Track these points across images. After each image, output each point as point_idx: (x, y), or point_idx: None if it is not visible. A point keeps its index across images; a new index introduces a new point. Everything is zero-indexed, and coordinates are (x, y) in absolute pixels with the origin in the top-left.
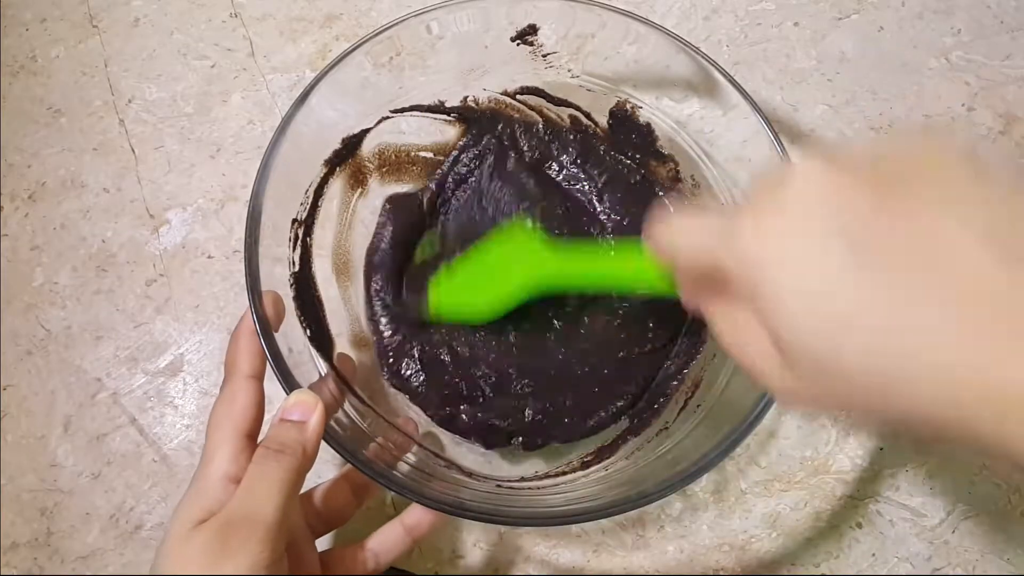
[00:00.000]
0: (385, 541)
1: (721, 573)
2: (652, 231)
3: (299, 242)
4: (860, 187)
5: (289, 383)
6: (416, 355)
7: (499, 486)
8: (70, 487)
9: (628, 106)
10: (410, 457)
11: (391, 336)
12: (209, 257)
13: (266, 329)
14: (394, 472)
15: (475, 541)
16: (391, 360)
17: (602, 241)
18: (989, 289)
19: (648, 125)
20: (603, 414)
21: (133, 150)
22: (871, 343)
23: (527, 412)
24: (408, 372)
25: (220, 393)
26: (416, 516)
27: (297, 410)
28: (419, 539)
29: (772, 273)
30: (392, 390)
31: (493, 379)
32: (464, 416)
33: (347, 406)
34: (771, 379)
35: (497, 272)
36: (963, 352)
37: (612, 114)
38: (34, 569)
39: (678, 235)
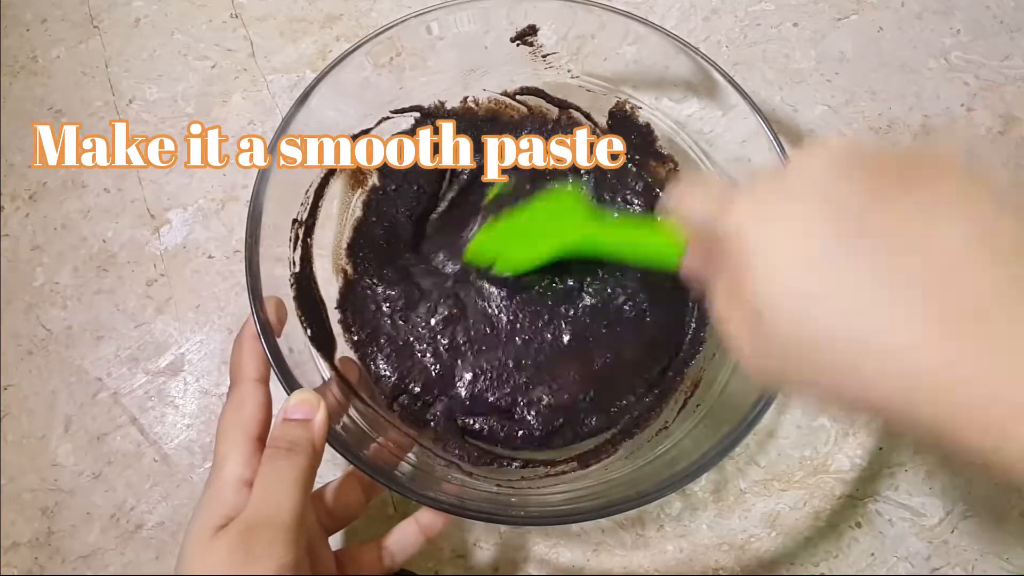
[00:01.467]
0: (400, 540)
1: (720, 572)
2: (669, 194)
3: (300, 242)
4: (856, 179)
5: (290, 383)
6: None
7: (499, 486)
8: (71, 487)
9: (627, 106)
10: (411, 457)
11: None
12: (210, 257)
13: (267, 332)
14: (395, 472)
15: (475, 540)
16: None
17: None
18: (964, 289)
19: (647, 125)
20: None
21: None
22: (836, 323)
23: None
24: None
25: (228, 398)
26: (430, 515)
27: (300, 409)
28: (433, 538)
29: (759, 245)
30: None
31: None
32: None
33: (357, 418)
34: (744, 347)
35: (537, 228)
36: (922, 350)
37: (612, 114)
38: (35, 568)
39: (688, 199)
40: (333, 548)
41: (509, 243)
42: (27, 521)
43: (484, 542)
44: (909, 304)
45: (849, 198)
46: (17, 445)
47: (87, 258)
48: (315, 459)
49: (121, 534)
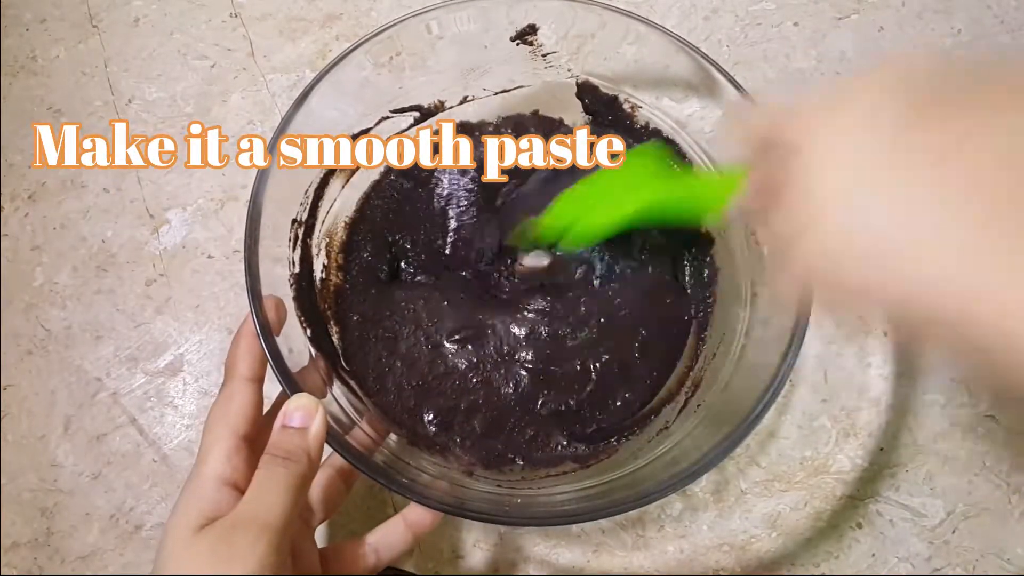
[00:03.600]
0: (386, 537)
1: (721, 573)
2: (740, 110)
3: (299, 242)
4: (911, 94)
5: (289, 383)
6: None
7: (499, 486)
8: (70, 487)
9: (628, 106)
10: (412, 458)
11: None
12: (209, 257)
13: (267, 332)
14: (396, 473)
15: (475, 541)
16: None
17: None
18: (1003, 205)
19: (648, 125)
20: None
21: None
22: (880, 230)
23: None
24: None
25: (219, 394)
26: (418, 512)
27: (298, 415)
28: (420, 536)
29: (811, 157)
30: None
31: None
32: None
33: (347, 406)
34: (793, 260)
35: (617, 190)
36: (963, 263)
37: (579, 87)
38: (34, 569)
39: (747, 120)
40: (320, 544)
41: (588, 208)
42: (26, 521)
43: (484, 542)
44: (950, 209)
45: (900, 111)
46: (17, 445)
47: (86, 258)
48: (311, 468)
49: (120, 535)
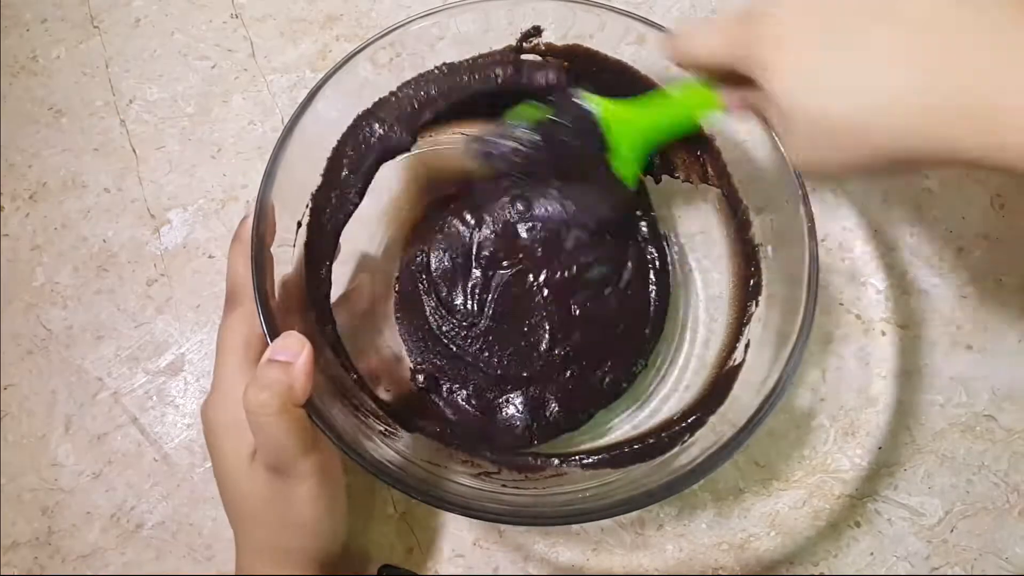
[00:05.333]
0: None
1: (720, 572)
2: (673, 43)
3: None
4: None
5: (273, 330)
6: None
7: (504, 485)
8: (71, 486)
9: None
10: (414, 456)
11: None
12: (210, 257)
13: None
14: (400, 471)
15: (475, 540)
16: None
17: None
18: (940, 26)
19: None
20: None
21: (134, 150)
22: (848, 98)
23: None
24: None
25: (232, 312)
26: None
27: (284, 352)
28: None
29: (767, 59)
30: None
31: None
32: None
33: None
34: (786, 147)
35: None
36: (913, 81)
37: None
38: (35, 568)
39: (698, 47)
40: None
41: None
42: (27, 521)
43: (484, 541)
44: (894, 56)
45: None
46: (17, 445)
47: (87, 258)
48: (294, 397)
49: (121, 534)
